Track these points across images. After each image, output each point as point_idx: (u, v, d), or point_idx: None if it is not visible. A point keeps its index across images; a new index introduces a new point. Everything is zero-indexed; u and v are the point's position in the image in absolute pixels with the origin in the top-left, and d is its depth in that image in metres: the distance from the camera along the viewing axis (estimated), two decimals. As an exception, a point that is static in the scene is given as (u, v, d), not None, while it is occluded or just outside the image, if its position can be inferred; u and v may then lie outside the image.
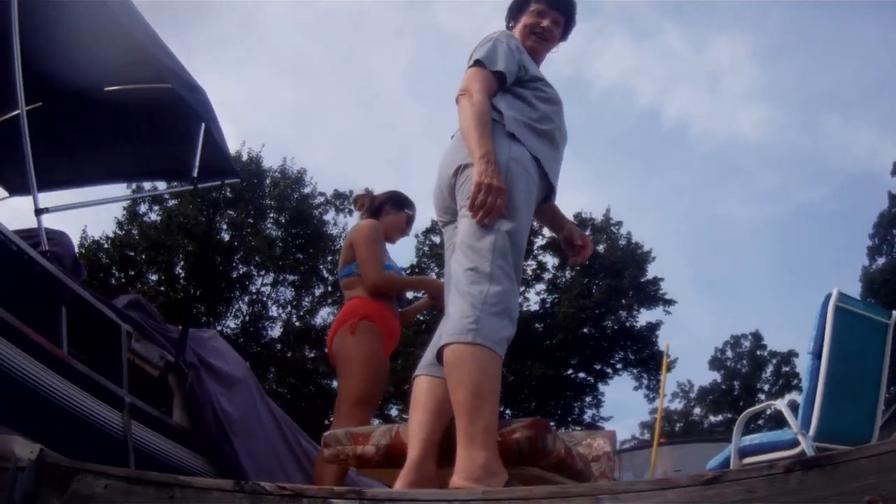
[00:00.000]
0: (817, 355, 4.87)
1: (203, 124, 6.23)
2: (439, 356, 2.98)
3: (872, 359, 5.32)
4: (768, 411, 7.05)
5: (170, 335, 5.40)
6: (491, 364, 2.86)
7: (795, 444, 4.76)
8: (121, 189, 27.03)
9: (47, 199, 5.08)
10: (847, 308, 5.05)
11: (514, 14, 3.89)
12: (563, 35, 3.92)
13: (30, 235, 4.54)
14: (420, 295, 5.77)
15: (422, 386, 3.20)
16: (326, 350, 5.29)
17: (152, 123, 6.67)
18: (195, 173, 6.55)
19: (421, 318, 20.25)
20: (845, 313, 5.02)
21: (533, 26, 3.78)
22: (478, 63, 3.43)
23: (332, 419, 5.13)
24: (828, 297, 4.97)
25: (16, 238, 4.09)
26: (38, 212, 4.85)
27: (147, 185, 26.13)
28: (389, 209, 5.42)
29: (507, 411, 31.47)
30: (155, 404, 5.00)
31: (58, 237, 4.90)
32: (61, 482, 2.52)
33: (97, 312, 4.67)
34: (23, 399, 3.77)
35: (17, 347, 3.71)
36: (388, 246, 5.39)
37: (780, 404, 5.21)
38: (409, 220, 5.47)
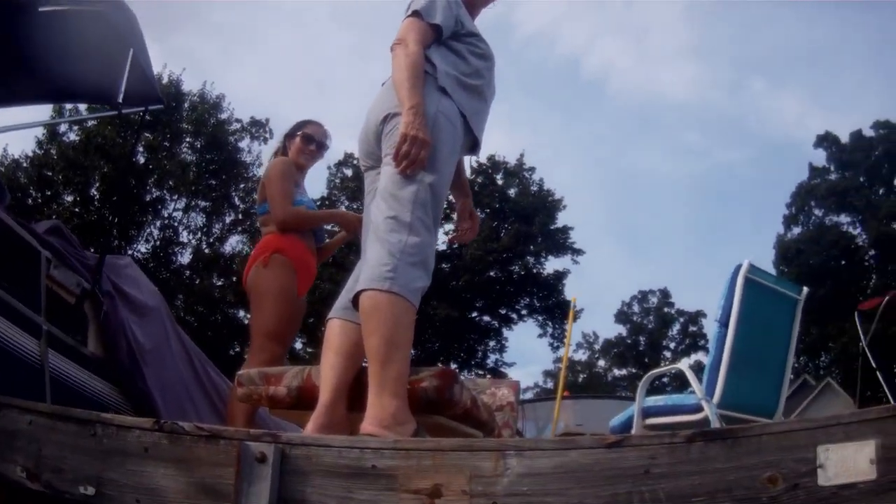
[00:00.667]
0: (724, 324, 4.91)
1: (131, 49, 6.16)
2: (355, 301, 3.06)
3: (780, 332, 5.41)
4: (673, 371, 7.13)
5: (87, 262, 5.37)
6: (405, 313, 2.95)
7: (699, 409, 4.80)
8: (44, 111, 26.68)
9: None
10: (757, 280, 5.11)
11: None
12: None
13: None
14: (337, 230, 5.77)
15: (335, 329, 3.26)
16: (242, 284, 5.32)
17: (82, 45, 6.55)
18: (120, 98, 6.47)
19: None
20: (755, 286, 5.08)
21: None
22: (416, 14, 3.45)
23: (237, 350, 5.18)
24: (738, 268, 5.03)
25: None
26: (-36, 135, 4.80)
27: (69, 105, 25.66)
28: (288, 142, 5.47)
29: (411, 352, 31.60)
30: (71, 333, 5.00)
31: (-18, 161, 4.86)
32: (-15, 416, 2.56)
33: (17, 237, 4.65)
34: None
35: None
36: (310, 180, 5.43)
37: (685, 367, 5.33)
38: (307, 138, 5.44)
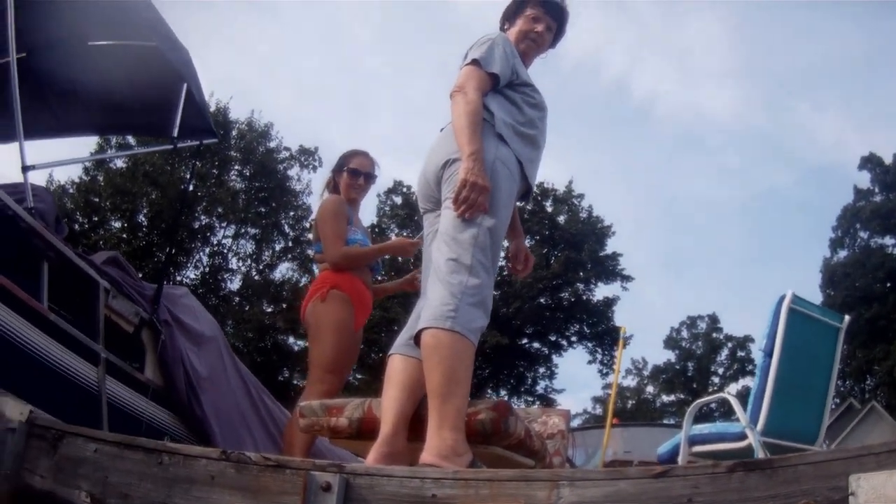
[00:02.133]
0: (769, 354, 4.96)
1: (185, 84, 6.27)
2: (416, 338, 3.11)
3: (823, 360, 5.43)
4: (718, 400, 7.14)
5: (145, 292, 5.49)
6: (465, 351, 3.01)
7: (743, 436, 4.86)
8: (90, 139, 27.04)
9: (28, 150, 5.11)
10: (800, 310, 5.15)
11: (510, 16, 3.97)
12: (553, 42, 4.03)
13: (15, 191, 4.60)
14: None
15: (397, 365, 3.31)
16: (293, 312, 5.38)
17: (135, 79, 6.66)
18: (175, 132, 6.58)
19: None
20: (798, 315, 5.12)
21: (528, 32, 3.88)
22: (475, 62, 3.53)
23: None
24: (782, 299, 5.06)
25: (1, 193, 4.17)
26: (25, 168, 4.90)
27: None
28: (337, 177, 5.51)
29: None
30: (129, 360, 5.10)
31: (42, 194, 4.96)
32: (51, 444, 2.62)
33: (77, 269, 4.76)
34: (4, 352, 3.85)
35: (0, 302, 3.79)
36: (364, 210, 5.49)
37: (730, 396, 5.36)
38: (353, 172, 5.48)
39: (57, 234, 4.74)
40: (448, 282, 3.09)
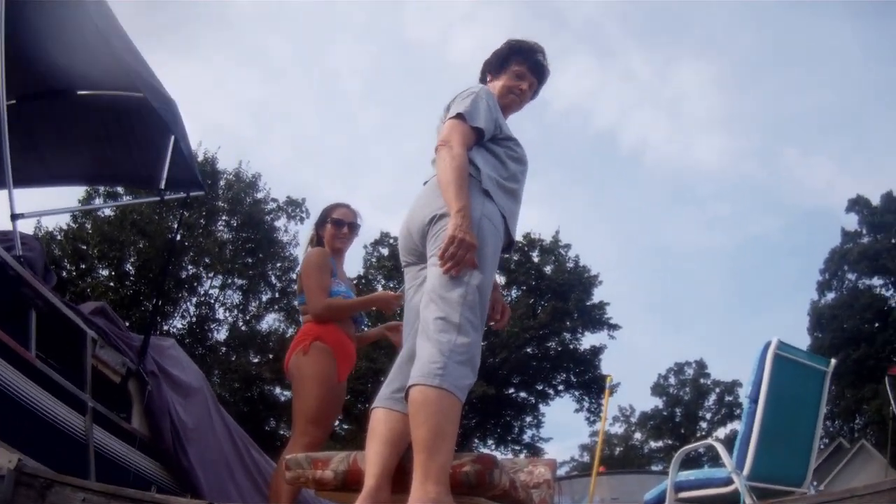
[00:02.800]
0: (754, 400, 5.01)
1: (172, 135, 6.30)
2: (406, 393, 3.12)
3: (809, 404, 5.48)
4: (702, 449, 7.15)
5: (132, 343, 5.50)
6: (452, 408, 3.03)
7: (730, 482, 4.88)
8: (82, 190, 27.11)
9: (17, 198, 5.13)
10: (786, 356, 5.20)
11: (494, 70, 4.03)
12: (532, 97, 4.10)
13: (4, 239, 4.62)
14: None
15: (380, 418, 3.33)
16: (279, 363, 5.38)
17: (123, 130, 6.70)
18: (162, 184, 6.61)
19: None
20: (784, 361, 5.17)
21: (512, 87, 3.95)
22: (459, 116, 3.56)
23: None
24: (767, 345, 5.11)
25: (-10, 241, 4.19)
26: (14, 217, 4.91)
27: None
28: (320, 229, 5.54)
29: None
30: (116, 410, 5.10)
31: (31, 242, 4.97)
32: (39, 493, 2.62)
33: (65, 318, 4.76)
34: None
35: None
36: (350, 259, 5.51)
37: (716, 443, 5.37)
38: (337, 222, 5.50)
39: (45, 282, 4.75)
40: (437, 340, 3.11)
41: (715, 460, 5.13)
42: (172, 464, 5.46)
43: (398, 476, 3.15)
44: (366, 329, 5.59)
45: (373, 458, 3.18)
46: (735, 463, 4.91)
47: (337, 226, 5.47)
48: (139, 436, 5.29)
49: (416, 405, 3.02)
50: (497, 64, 4.02)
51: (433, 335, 3.13)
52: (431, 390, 3.00)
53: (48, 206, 7.11)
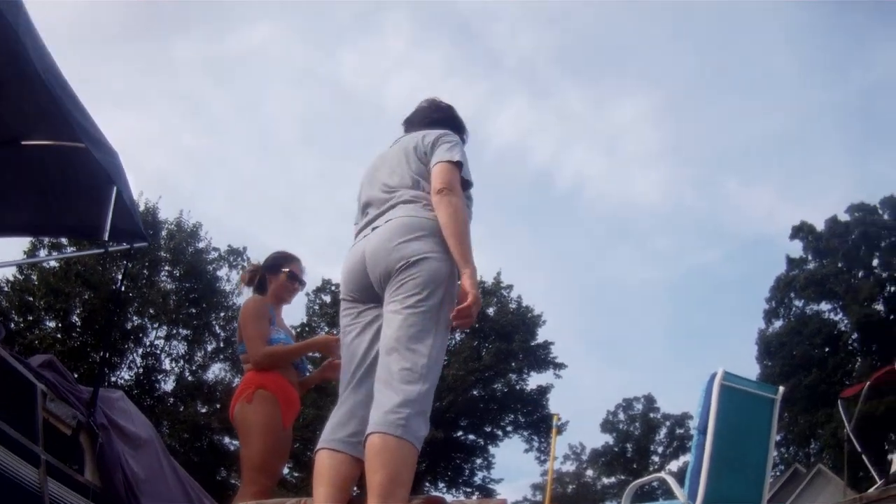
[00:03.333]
0: (702, 431, 5.03)
1: (114, 187, 6.31)
2: (361, 438, 3.19)
3: (759, 432, 5.50)
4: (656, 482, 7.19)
5: (81, 395, 5.50)
6: (410, 457, 3.10)
7: None
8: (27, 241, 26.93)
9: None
10: (733, 386, 5.24)
11: (461, 129, 4.15)
12: None
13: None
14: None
15: (325, 461, 3.36)
16: (227, 415, 5.38)
17: (66, 181, 6.69)
18: (106, 235, 6.61)
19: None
20: (731, 391, 5.20)
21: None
22: (458, 165, 3.64)
23: (224, 475, 5.20)
24: (713, 376, 5.15)
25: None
26: (-38, 273, 4.92)
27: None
28: (270, 276, 5.49)
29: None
30: (68, 462, 5.08)
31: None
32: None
33: (14, 371, 4.76)
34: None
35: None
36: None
37: (667, 476, 5.44)
38: (291, 276, 5.51)
39: (-5, 336, 4.77)
40: (402, 389, 3.17)
41: (669, 494, 5.17)
42: (126, 515, 5.45)
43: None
44: (308, 374, 5.61)
45: (322, 503, 3.22)
46: (687, 495, 4.94)
47: (290, 279, 5.49)
48: (93, 487, 5.28)
49: (374, 449, 3.07)
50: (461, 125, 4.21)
51: (397, 385, 3.19)
52: (392, 439, 3.06)
53: (-8, 257, 7.07)
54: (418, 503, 3.12)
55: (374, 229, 3.61)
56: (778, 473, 36.07)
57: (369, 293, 3.57)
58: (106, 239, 6.71)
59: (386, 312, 3.42)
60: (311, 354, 5.83)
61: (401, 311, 3.33)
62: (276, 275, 5.47)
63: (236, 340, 5.57)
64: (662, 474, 5.71)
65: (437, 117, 4.15)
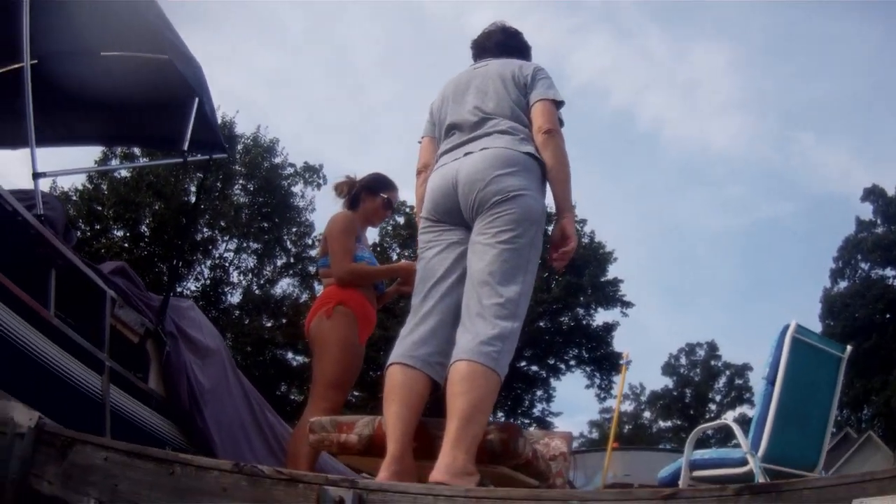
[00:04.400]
0: (771, 381, 4.99)
1: (196, 98, 6.27)
2: (440, 359, 3.24)
3: (824, 389, 5.46)
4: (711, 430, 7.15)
5: (151, 303, 5.50)
6: (495, 387, 3.10)
7: (744, 462, 4.89)
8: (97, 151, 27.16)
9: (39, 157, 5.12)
10: (803, 340, 5.17)
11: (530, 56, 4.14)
12: None
13: (25, 197, 4.60)
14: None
15: (397, 378, 3.29)
16: (296, 328, 5.35)
17: (146, 92, 6.66)
18: (185, 146, 6.58)
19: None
20: (801, 345, 5.15)
21: None
22: (559, 105, 3.66)
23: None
24: (786, 328, 5.09)
25: (12, 199, 4.15)
26: (36, 175, 4.91)
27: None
28: (366, 196, 5.45)
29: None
30: (133, 370, 5.09)
31: (52, 201, 4.96)
32: (60, 451, 2.60)
33: (85, 278, 4.76)
34: (9, 358, 3.84)
35: (7, 307, 3.78)
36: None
37: (732, 423, 5.39)
38: (387, 204, 5.50)
39: (66, 242, 4.74)
40: (496, 324, 3.16)
41: (723, 442, 5.11)
42: (187, 424, 5.46)
43: (423, 442, 3.16)
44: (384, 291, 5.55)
45: (393, 422, 3.16)
46: (750, 444, 4.90)
47: (387, 207, 5.48)
48: (155, 396, 5.29)
49: (460, 373, 3.06)
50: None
51: (491, 318, 3.17)
52: (483, 368, 3.04)
53: (62, 167, 7.05)
54: (496, 428, 3.04)
55: (466, 154, 3.54)
56: (830, 434, 35.55)
57: (455, 216, 3.51)
58: (185, 149, 6.67)
59: (476, 243, 3.38)
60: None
61: (495, 244, 3.30)
62: (374, 197, 5.43)
63: (313, 256, 5.52)
64: (729, 421, 5.63)
65: (513, 44, 4.12)
